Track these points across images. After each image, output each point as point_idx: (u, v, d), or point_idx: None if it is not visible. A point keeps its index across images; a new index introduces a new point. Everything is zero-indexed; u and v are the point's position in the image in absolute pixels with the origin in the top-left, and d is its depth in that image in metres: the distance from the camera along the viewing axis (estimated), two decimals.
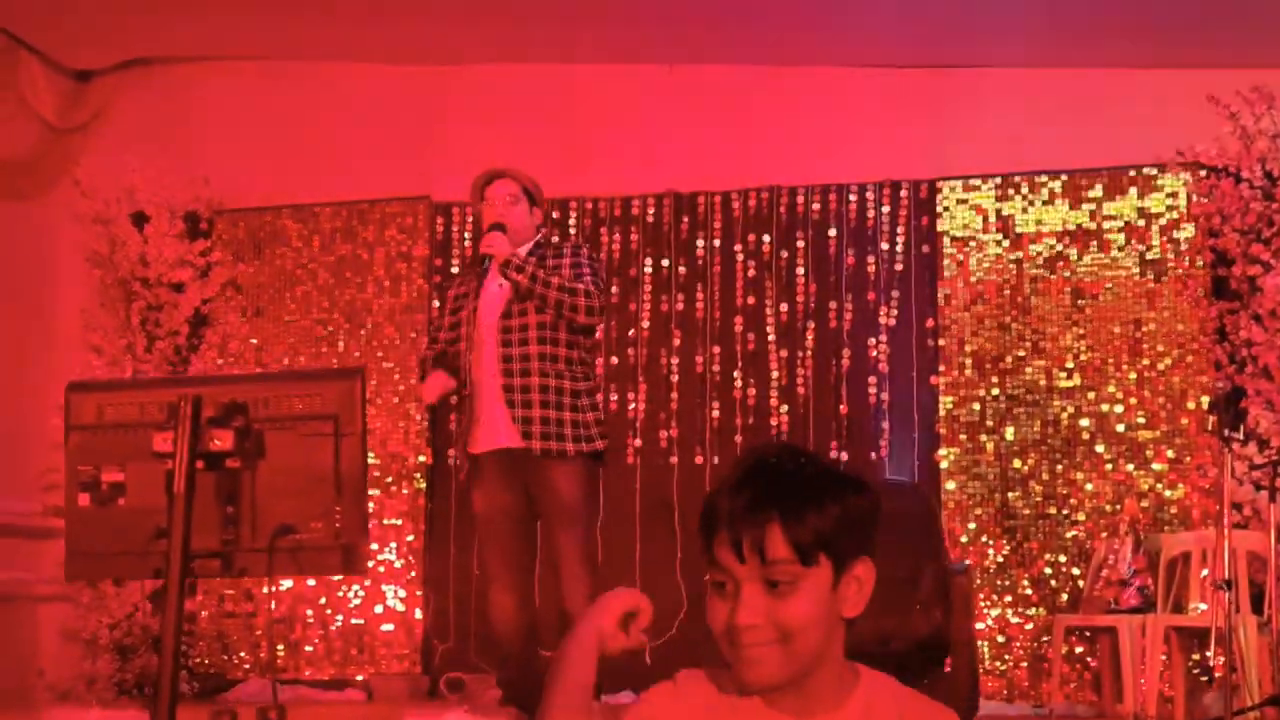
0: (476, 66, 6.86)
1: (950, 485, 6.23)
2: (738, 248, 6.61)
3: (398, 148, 6.82)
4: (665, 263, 6.63)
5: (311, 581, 6.69)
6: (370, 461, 6.75)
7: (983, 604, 6.11)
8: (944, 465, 6.25)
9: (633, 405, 6.52)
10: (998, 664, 6.07)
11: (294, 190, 6.96)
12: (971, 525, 6.19)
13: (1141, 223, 6.20)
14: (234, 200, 7.00)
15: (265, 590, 6.37)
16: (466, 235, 6.85)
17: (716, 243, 6.64)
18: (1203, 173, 5.97)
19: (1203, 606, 5.51)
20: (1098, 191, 6.28)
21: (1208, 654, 5.43)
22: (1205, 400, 5.92)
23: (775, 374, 6.48)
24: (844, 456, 6.34)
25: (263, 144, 6.92)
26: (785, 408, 6.45)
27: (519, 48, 6.66)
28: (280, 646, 6.69)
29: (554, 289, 4.63)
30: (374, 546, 6.71)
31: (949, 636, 3.04)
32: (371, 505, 6.71)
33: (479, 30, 6.52)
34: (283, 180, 6.94)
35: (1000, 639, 6.09)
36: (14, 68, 6.70)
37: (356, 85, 6.95)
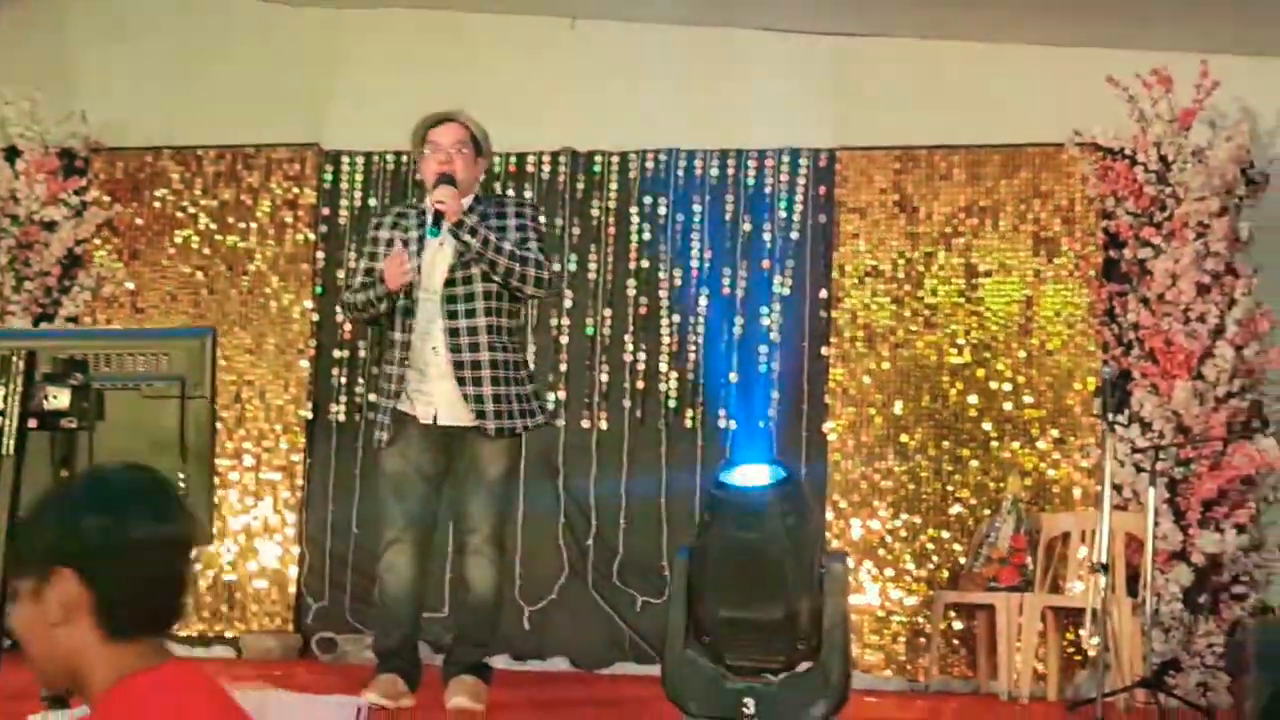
0: (372, 11, 6.66)
1: (836, 457, 6.20)
2: (633, 210, 6.50)
3: (287, 92, 6.61)
4: (559, 222, 6.50)
5: None
6: (251, 414, 6.57)
7: (864, 578, 6.10)
8: (831, 437, 6.22)
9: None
10: (876, 638, 6.07)
11: (177, 131, 6.71)
12: (855, 498, 6.16)
13: (1037, 202, 6.20)
14: (113, 139, 6.73)
15: None
16: (356, 184, 6.66)
17: (612, 204, 6.53)
18: (1099, 154, 5.96)
19: (1080, 587, 5.56)
20: (995, 169, 6.25)
21: (1083, 634, 5.49)
22: (1091, 382, 5.94)
23: (666, 339, 6.39)
24: (732, 425, 6.29)
25: (145, 82, 6.67)
26: (675, 374, 6.37)
27: None
28: None
29: (505, 256, 4.29)
30: (250, 502, 6.54)
31: (820, 628, 2.99)
32: (249, 466, 6.54)
33: None
34: (165, 120, 6.70)
35: (880, 613, 6.08)
36: None
37: (246, 24, 6.72)
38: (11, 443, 2.17)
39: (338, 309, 6.53)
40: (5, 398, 2.17)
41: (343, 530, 6.51)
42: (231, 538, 6.52)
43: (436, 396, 4.33)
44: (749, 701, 2.97)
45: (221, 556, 6.50)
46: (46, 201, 6.53)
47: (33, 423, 2.20)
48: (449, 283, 4.33)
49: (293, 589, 6.49)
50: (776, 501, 3.05)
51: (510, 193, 6.36)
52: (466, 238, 4.26)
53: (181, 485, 2.22)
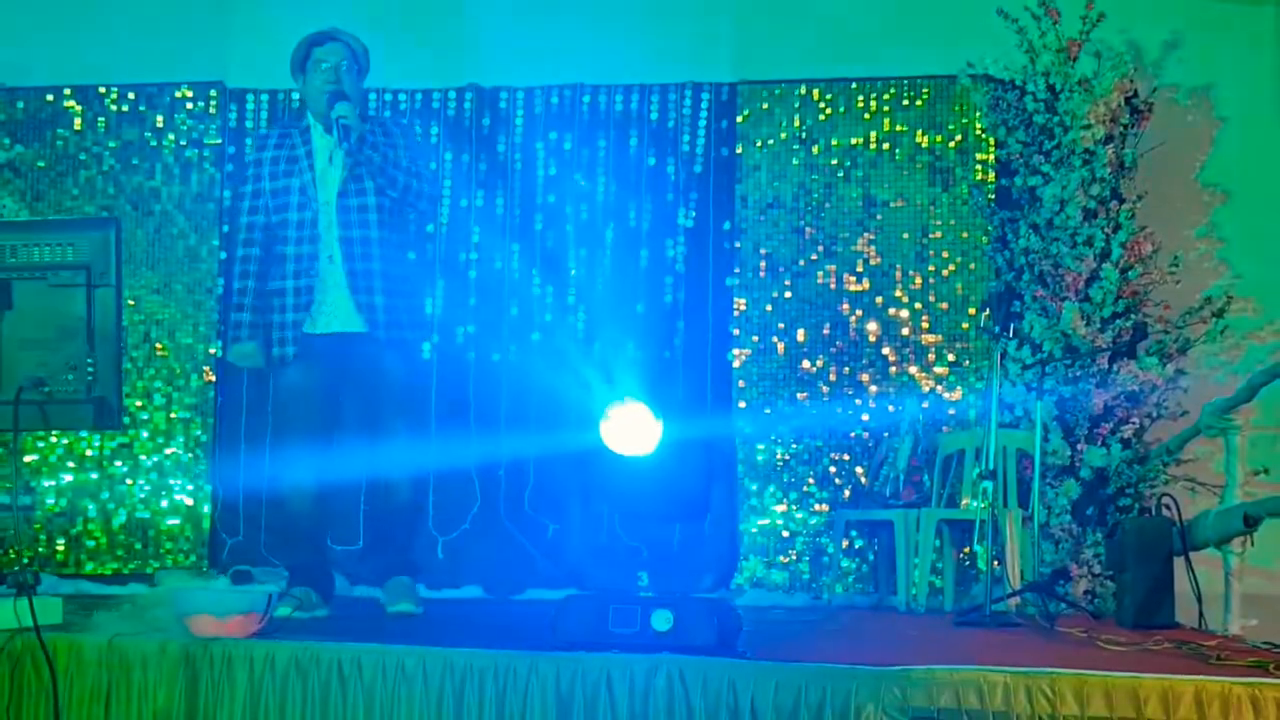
0: None
1: (741, 384, 6.35)
2: (539, 145, 6.58)
3: (189, 28, 6.58)
4: (465, 158, 6.56)
5: (94, 474, 6.52)
6: (161, 353, 6.58)
7: (769, 501, 6.27)
8: (735, 365, 6.37)
9: (430, 301, 6.46)
10: (781, 558, 6.25)
11: (78, 70, 6.66)
12: (760, 424, 6.32)
13: (932, 132, 6.37)
14: (12, 79, 6.67)
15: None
16: (262, 122, 6.67)
17: (518, 140, 6.60)
18: (990, 85, 6.14)
19: (974, 503, 5.76)
20: (892, 100, 6.41)
21: (975, 547, 5.69)
22: (981, 303, 6.15)
23: (573, 272, 6.50)
24: (639, 355, 6.41)
25: (45, 20, 6.60)
26: (583, 306, 6.48)
27: None
28: (60, 539, 6.51)
29: (403, 171, 4.46)
30: (160, 441, 6.56)
31: (709, 505, 3.15)
32: (159, 406, 6.56)
33: None
34: (66, 59, 6.64)
35: (785, 534, 6.26)
36: None
37: None
38: None
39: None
40: None
41: (254, 467, 6.54)
42: (144, 476, 6.54)
43: (330, 304, 4.44)
44: (642, 573, 3.13)
45: (134, 495, 6.52)
46: None
47: None
48: (342, 194, 4.46)
49: (207, 526, 6.53)
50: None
51: (417, 128, 6.43)
52: (370, 152, 4.34)
53: (90, 371, 2.30)
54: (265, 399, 6.52)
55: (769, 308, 6.39)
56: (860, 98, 6.43)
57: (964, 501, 5.75)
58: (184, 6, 6.58)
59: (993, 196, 6.22)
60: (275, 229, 4.60)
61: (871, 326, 6.32)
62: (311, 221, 4.47)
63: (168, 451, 6.55)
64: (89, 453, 6.53)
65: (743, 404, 6.35)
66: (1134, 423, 5.82)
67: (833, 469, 6.28)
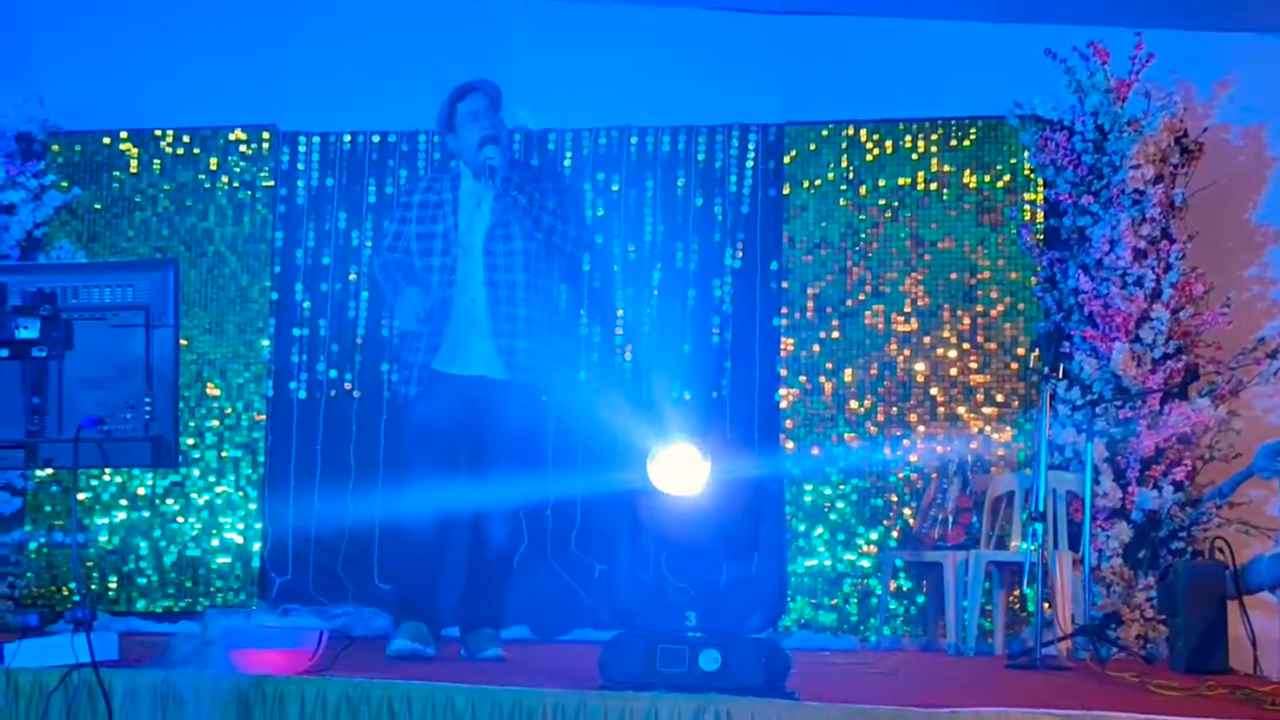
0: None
1: (788, 424, 6.35)
2: (587, 186, 6.63)
3: (243, 73, 6.68)
4: None
5: (145, 512, 6.59)
6: (213, 392, 6.65)
7: (816, 542, 6.25)
8: (783, 406, 6.37)
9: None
10: (829, 599, 6.22)
11: (134, 114, 6.78)
12: (808, 465, 6.31)
13: (980, 173, 6.36)
14: (71, 122, 6.80)
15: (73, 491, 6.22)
16: (313, 164, 6.75)
17: (566, 181, 6.64)
18: (1038, 125, 6.13)
19: (1024, 545, 5.71)
20: (940, 141, 6.41)
21: (1025, 590, 5.65)
22: (1030, 343, 6.13)
23: (621, 312, 6.52)
24: (687, 396, 6.42)
25: (102, 65, 6.73)
26: (630, 345, 6.50)
27: None
28: (113, 577, 6.58)
29: (549, 214, 4.49)
30: (212, 479, 6.62)
31: (758, 544, 3.15)
32: (214, 431, 6.62)
33: None
34: (122, 103, 6.76)
35: (832, 575, 6.24)
36: None
37: (201, 5, 6.79)
38: None
39: (299, 287, 6.65)
40: None
41: (303, 506, 6.60)
42: (195, 514, 6.60)
43: (468, 346, 4.47)
44: (690, 614, 3.13)
45: (185, 533, 6.58)
46: (4, 185, 6.59)
47: (5, 352, 2.30)
48: (489, 237, 4.51)
49: (256, 564, 6.57)
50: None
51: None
52: (516, 194, 4.45)
53: (148, 410, 2.33)
54: (316, 438, 6.61)
55: (816, 348, 6.39)
56: (907, 138, 6.44)
57: (1013, 543, 5.71)
58: (238, 52, 6.68)
59: (1041, 236, 6.20)
60: (417, 272, 4.63)
61: (919, 367, 6.31)
62: (452, 267, 4.52)
63: (219, 490, 6.61)
64: (141, 491, 6.60)
65: (790, 444, 6.35)
66: (1186, 465, 5.77)
67: (881, 510, 6.26)
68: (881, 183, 6.44)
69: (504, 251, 4.52)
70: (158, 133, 6.81)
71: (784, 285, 6.44)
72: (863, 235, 6.42)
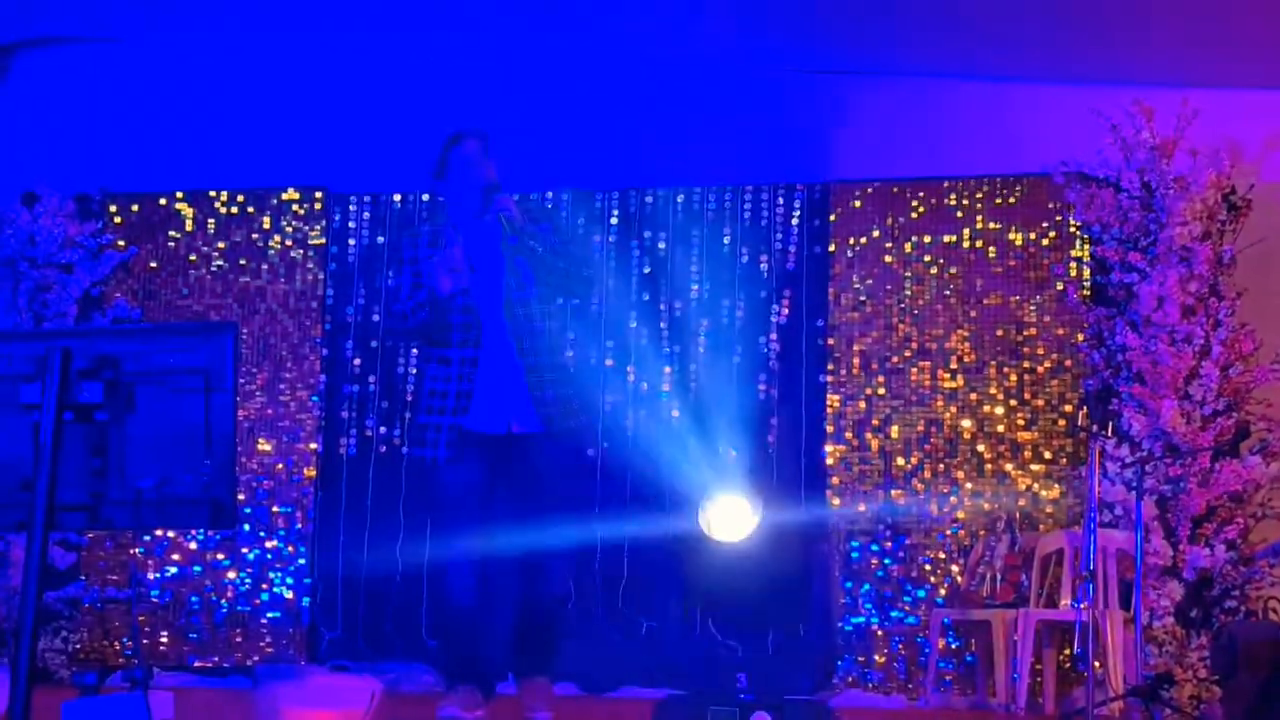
0: (380, 62, 6.87)
1: (835, 481, 6.35)
2: (633, 245, 6.68)
3: (296, 136, 6.80)
4: None
5: (197, 567, 6.65)
6: (263, 448, 6.72)
7: (863, 601, 6.23)
8: (829, 462, 6.37)
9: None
10: (877, 657, 6.19)
11: (189, 175, 6.91)
12: (853, 521, 6.30)
13: (1025, 230, 6.37)
14: (128, 184, 6.94)
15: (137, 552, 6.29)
16: (365, 223, 6.85)
17: (612, 239, 6.71)
18: (1084, 183, 6.14)
19: (1074, 604, 5.67)
20: (985, 198, 6.43)
21: (1076, 650, 5.60)
22: (1078, 400, 6.10)
23: (668, 368, 6.56)
24: (733, 452, 6.43)
25: (159, 128, 6.87)
26: (677, 401, 6.53)
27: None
28: (164, 632, 6.63)
29: (561, 259, 4.40)
30: (262, 534, 6.68)
31: (808, 606, 3.15)
32: (265, 488, 6.69)
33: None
34: (178, 165, 6.89)
35: (879, 633, 6.21)
36: None
37: (260, 71, 6.92)
38: (49, 434, 2.33)
39: (349, 344, 6.74)
40: (43, 392, 2.32)
41: (352, 561, 6.65)
42: (245, 570, 6.66)
43: (501, 400, 4.39)
44: (741, 675, 3.13)
45: (236, 588, 6.63)
46: (64, 244, 6.72)
47: (68, 416, 2.36)
48: (505, 287, 4.43)
49: (305, 619, 6.61)
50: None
51: None
52: (532, 244, 4.35)
53: (206, 472, 2.38)
54: (365, 494, 6.66)
55: (862, 404, 6.39)
56: (952, 196, 6.46)
57: (1063, 602, 5.67)
58: (290, 115, 6.79)
59: (1088, 293, 6.19)
60: (435, 331, 4.52)
61: (966, 423, 6.29)
62: (476, 324, 4.43)
63: (268, 545, 6.67)
64: (193, 546, 6.66)
65: (837, 501, 6.34)
66: (1238, 523, 5.72)
67: (928, 567, 6.23)
68: (927, 240, 6.45)
69: (520, 300, 4.42)
70: (212, 193, 6.94)
71: (830, 341, 6.46)
72: (908, 292, 6.43)
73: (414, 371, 6.64)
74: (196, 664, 6.59)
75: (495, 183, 4.44)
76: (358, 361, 6.75)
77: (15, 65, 7.04)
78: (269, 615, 6.63)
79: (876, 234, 6.50)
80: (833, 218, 6.54)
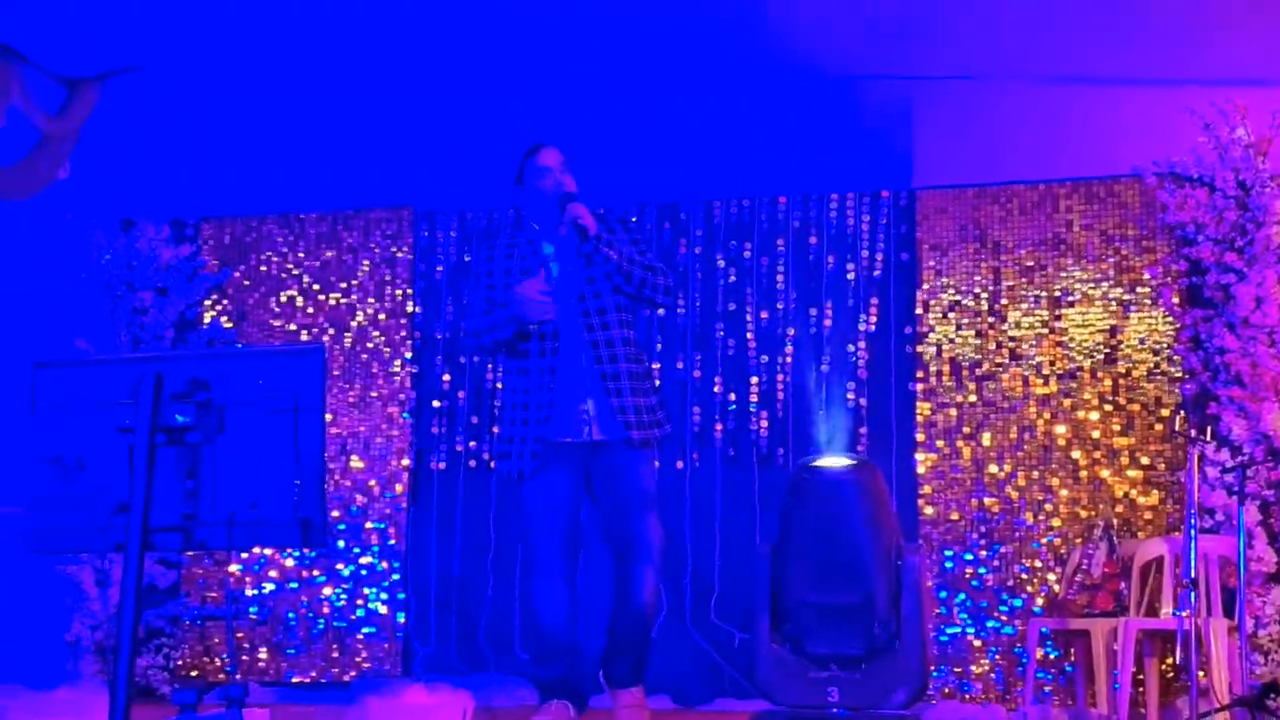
0: (459, 77, 6.93)
1: (927, 490, 6.28)
2: (718, 255, 6.67)
3: (383, 156, 6.89)
4: None
5: (294, 584, 6.74)
6: (355, 465, 6.80)
7: (959, 611, 6.16)
8: (920, 470, 6.30)
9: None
10: (973, 668, 6.11)
11: (280, 198, 7.03)
12: (947, 531, 6.24)
13: (1117, 232, 6.26)
14: (220, 207, 7.07)
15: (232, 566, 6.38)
16: (451, 240, 6.92)
17: (698, 250, 6.70)
18: (1177, 183, 6.03)
19: (1175, 612, 5.55)
20: (1075, 201, 6.34)
21: (1179, 659, 5.48)
22: (1176, 405, 5.99)
23: (755, 379, 6.54)
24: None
25: (250, 151, 6.98)
26: (765, 412, 6.51)
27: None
28: (263, 648, 6.73)
29: (639, 267, 4.37)
30: (356, 550, 6.76)
31: (899, 616, 3.11)
32: (358, 504, 6.76)
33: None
34: (269, 188, 7.01)
35: (976, 643, 6.13)
36: (6, 76, 6.76)
37: (346, 94, 7.01)
38: (143, 456, 2.37)
39: (438, 360, 6.80)
40: (137, 415, 2.37)
41: (445, 576, 6.70)
42: (340, 586, 6.74)
43: (580, 409, 4.40)
44: (832, 690, 3.09)
45: (331, 604, 6.71)
46: (159, 268, 6.87)
47: (161, 438, 2.40)
48: (581, 295, 4.43)
49: (400, 634, 6.67)
50: (855, 484, 3.18)
51: None
52: (607, 251, 4.34)
53: (297, 492, 2.41)
54: (456, 508, 6.71)
55: (954, 412, 6.32)
56: (1041, 198, 6.37)
57: (1164, 610, 5.56)
58: (376, 137, 6.87)
59: (1183, 295, 6.07)
60: (512, 341, 4.51)
61: (1060, 430, 6.20)
62: (552, 334, 4.44)
63: (363, 561, 6.74)
64: (289, 563, 6.75)
65: (929, 509, 6.27)
66: None
67: (1024, 576, 6.14)
68: (1016, 244, 6.37)
69: (596, 309, 4.40)
70: (302, 215, 7.04)
71: (919, 349, 6.39)
72: (999, 298, 6.35)
73: (500, 386, 6.68)
74: (294, 679, 6.67)
75: (572, 192, 4.45)
76: (446, 377, 6.81)
77: (108, 94, 7.19)
78: (364, 630, 6.70)
79: (965, 239, 6.43)
80: (920, 224, 6.48)
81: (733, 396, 6.56)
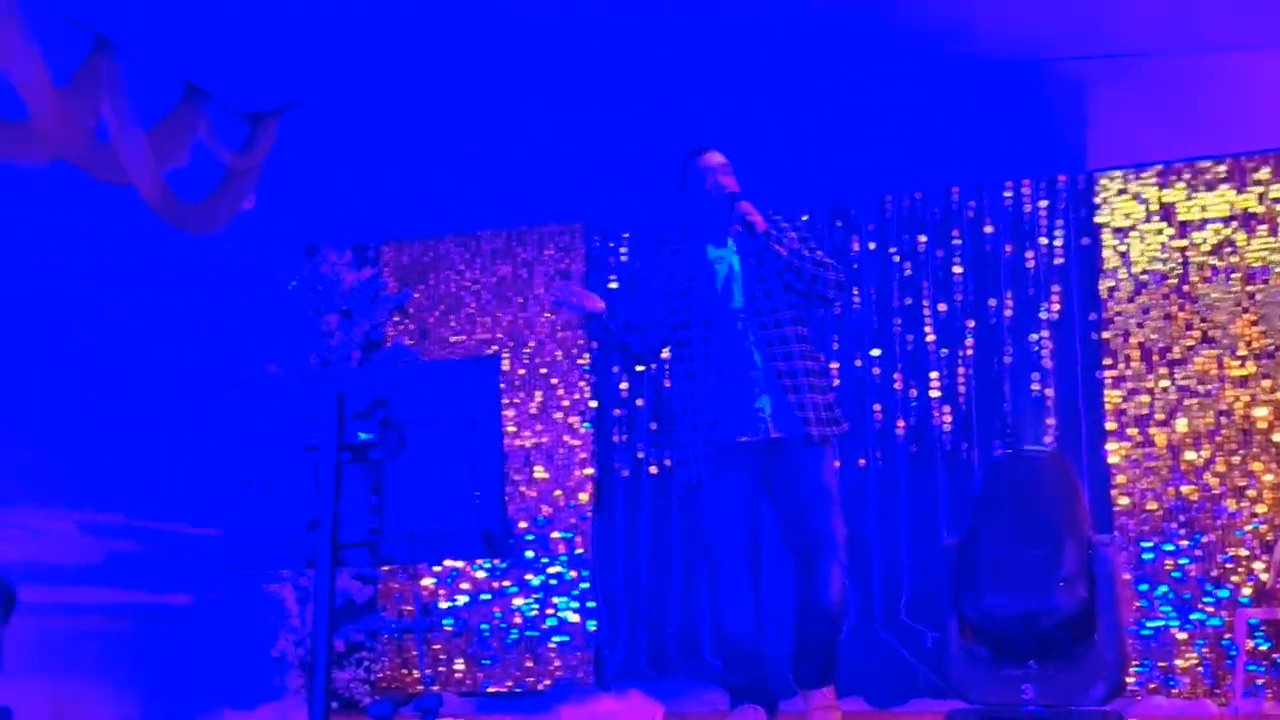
0: (624, 87, 6.96)
1: (1120, 479, 6.09)
2: (892, 249, 6.58)
3: (552, 172, 6.97)
4: None
5: (486, 595, 6.86)
6: (540, 476, 6.89)
7: (1161, 603, 5.96)
8: (1112, 460, 6.11)
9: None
10: (1178, 662, 5.90)
11: (456, 219, 7.17)
12: (1144, 522, 6.04)
13: None
14: (399, 230, 7.24)
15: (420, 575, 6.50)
16: (622, 251, 6.97)
17: (871, 245, 6.62)
18: None
19: None
20: (1264, 174, 6.08)
21: None
22: None
23: (934, 374, 6.43)
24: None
25: (422, 173, 7.13)
26: (948, 406, 6.39)
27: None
28: (459, 659, 6.86)
29: (809, 263, 4.33)
30: (545, 560, 6.84)
31: (1095, 609, 3.01)
32: (544, 514, 6.85)
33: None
34: (446, 209, 7.15)
35: (1180, 637, 5.92)
36: (194, 115, 7.05)
37: (515, 113, 7.11)
38: (330, 475, 2.44)
39: (615, 369, 6.85)
40: (322, 435, 2.43)
41: (632, 583, 6.74)
42: (531, 595, 6.83)
43: (755, 409, 4.38)
44: (1027, 687, 3.02)
45: (523, 614, 6.81)
46: (344, 292, 7.06)
47: (347, 456, 2.46)
48: (751, 294, 4.40)
49: (591, 642, 6.73)
50: (1045, 475, 3.10)
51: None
52: (778, 248, 4.31)
53: (478, 504, 2.44)
54: (640, 515, 6.75)
55: (1145, 399, 6.12)
56: (1227, 174, 6.13)
57: None
58: (547, 154, 6.94)
59: None
60: (674, 346, 4.53)
61: (1260, 412, 5.95)
62: (717, 337, 4.42)
63: (551, 571, 6.82)
64: (481, 575, 6.87)
65: (1124, 500, 6.08)
66: None
67: (1229, 566, 5.91)
68: (1202, 222, 6.14)
69: (768, 308, 4.35)
70: (477, 233, 7.17)
71: (1105, 335, 6.21)
72: (1187, 278, 6.13)
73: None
74: (490, 689, 6.78)
75: (736, 191, 4.42)
76: (624, 385, 6.86)
77: (287, 126, 7.43)
78: (556, 639, 6.78)
79: (1147, 220, 6.23)
80: (1099, 207, 6.29)
81: (914, 392, 6.46)
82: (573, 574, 6.81)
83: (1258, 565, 5.82)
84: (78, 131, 6.25)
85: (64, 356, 6.28)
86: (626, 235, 6.99)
